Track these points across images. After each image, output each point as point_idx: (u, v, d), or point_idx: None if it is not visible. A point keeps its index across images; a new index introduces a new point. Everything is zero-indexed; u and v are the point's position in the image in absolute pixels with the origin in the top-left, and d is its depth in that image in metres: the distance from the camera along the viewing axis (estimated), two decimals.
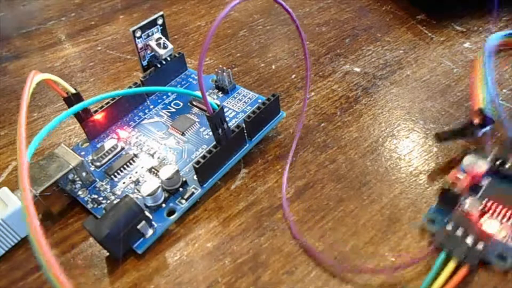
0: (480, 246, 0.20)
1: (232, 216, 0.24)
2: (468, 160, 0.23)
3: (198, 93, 0.22)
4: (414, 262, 0.21)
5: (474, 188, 0.23)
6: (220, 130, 0.24)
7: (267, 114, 0.27)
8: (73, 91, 0.25)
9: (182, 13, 0.42)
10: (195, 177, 0.25)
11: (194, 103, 0.30)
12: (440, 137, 0.25)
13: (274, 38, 0.37)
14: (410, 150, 0.27)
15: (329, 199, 0.25)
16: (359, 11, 0.39)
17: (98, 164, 0.26)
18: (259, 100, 0.29)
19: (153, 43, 0.29)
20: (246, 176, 0.26)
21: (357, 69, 0.33)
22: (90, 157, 0.27)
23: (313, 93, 0.31)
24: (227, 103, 0.30)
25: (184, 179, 0.25)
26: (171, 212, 0.24)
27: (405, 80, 0.32)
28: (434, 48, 0.34)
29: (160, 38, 0.29)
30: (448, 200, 0.22)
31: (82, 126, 0.27)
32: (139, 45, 0.28)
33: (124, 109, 0.29)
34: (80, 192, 0.25)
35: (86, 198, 0.25)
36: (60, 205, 0.25)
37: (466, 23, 0.36)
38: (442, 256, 0.20)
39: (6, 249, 0.23)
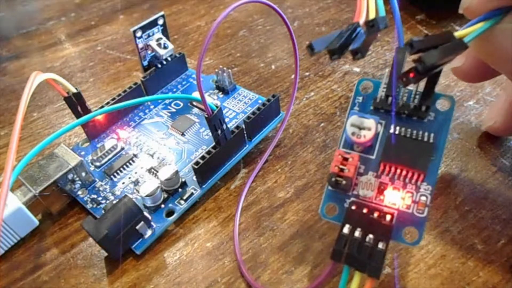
0: (381, 245, 0.17)
1: (231, 216, 0.24)
2: (351, 126, 0.19)
3: (198, 96, 0.22)
4: (317, 285, 0.19)
5: (368, 150, 0.20)
6: (219, 131, 0.24)
7: (267, 115, 0.27)
8: (74, 90, 0.25)
9: (182, 13, 0.42)
10: (194, 177, 0.25)
11: (194, 103, 0.30)
12: (317, 47, 0.17)
13: (274, 38, 0.37)
14: None
15: None
16: None
17: (98, 164, 0.26)
18: (259, 101, 0.29)
19: (153, 43, 0.29)
20: (246, 176, 0.26)
21: (357, 69, 0.33)
22: (90, 157, 0.27)
23: (312, 93, 0.31)
24: (227, 103, 0.30)
25: (183, 180, 0.25)
26: (170, 213, 0.24)
27: None
28: None
29: (161, 38, 0.29)
30: (340, 189, 0.19)
31: (82, 126, 0.27)
32: (140, 45, 0.28)
33: (125, 109, 0.29)
34: (79, 192, 0.25)
35: (85, 198, 0.25)
36: (60, 205, 0.25)
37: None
38: (346, 271, 0.18)
39: (6, 249, 0.23)
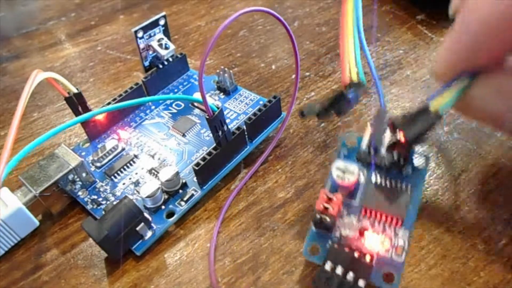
0: (361, 283, 0.18)
1: (232, 216, 0.24)
2: (336, 170, 0.21)
3: (199, 97, 0.22)
4: None
5: (351, 194, 0.21)
6: (220, 132, 0.24)
7: (268, 116, 0.27)
8: (75, 90, 0.25)
9: (182, 13, 0.42)
10: (195, 179, 0.25)
11: (196, 104, 0.30)
12: (307, 112, 0.20)
13: (274, 38, 0.37)
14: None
15: None
16: None
17: (98, 164, 0.26)
18: (261, 102, 0.29)
19: (155, 44, 0.29)
20: (246, 176, 0.26)
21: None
22: (90, 158, 0.27)
23: (313, 93, 0.31)
24: (229, 104, 0.30)
25: (184, 181, 0.25)
26: (170, 214, 0.24)
27: (405, 80, 0.32)
28: (434, 48, 0.34)
29: (162, 38, 0.29)
30: (324, 228, 0.20)
31: (83, 126, 0.27)
32: (141, 46, 0.28)
33: (125, 110, 0.29)
34: (80, 193, 0.25)
35: (86, 199, 0.25)
36: (60, 206, 0.25)
37: None
38: None
39: (6, 249, 0.23)
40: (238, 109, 0.29)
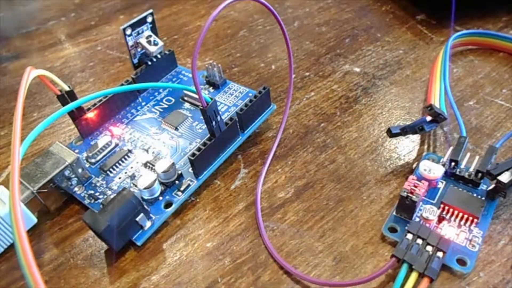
0: (439, 254, 0.20)
1: (232, 216, 0.24)
2: (423, 165, 0.23)
3: (191, 87, 0.22)
4: (376, 276, 0.20)
5: (431, 192, 0.23)
6: (213, 123, 0.24)
7: (258, 106, 0.27)
8: (67, 88, 0.25)
9: (182, 13, 0.42)
10: (190, 169, 0.25)
11: (186, 98, 0.30)
12: (391, 132, 0.25)
13: (274, 38, 0.37)
14: (410, 150, 0.27)
15: (329, 199, 0.25)
16: (359, 11, 0.39)
17: (93, 160, 0.26)
18: (250, 94, 0.30)
19: (143, 41, 0.29)
20: (246, 176, 0.26)
21: (357, 69, 0.33)
22: (84, 154, 0.27)
23: (313, 93, 0.31)
24: (218, 97, 0.30)
25: (179, 172, 0.25)
26: (168, 204, 0.24)
27: (405, 80, 0.32)
28: (434, 48, 0.34)
29: (150, 35, 0.29)
30: (407, 207, 0.22)
31: (75, 124, 0.27)
32: (130, 43, 0.28)
33: (117, 107, 0.29)
34: (76, 189, 0.25)
35: (82, 194, 0.25)
36: (57, 202, 0.25)
37: (466, 23, 0.36)
38: (404, 268, 0.20)
39: (5, 246, 0.23)
40: (228, 102, 0.29)
